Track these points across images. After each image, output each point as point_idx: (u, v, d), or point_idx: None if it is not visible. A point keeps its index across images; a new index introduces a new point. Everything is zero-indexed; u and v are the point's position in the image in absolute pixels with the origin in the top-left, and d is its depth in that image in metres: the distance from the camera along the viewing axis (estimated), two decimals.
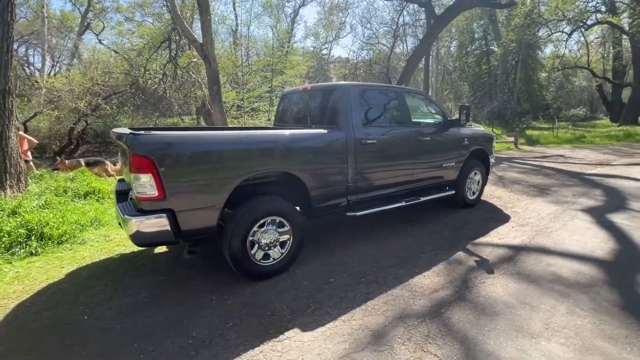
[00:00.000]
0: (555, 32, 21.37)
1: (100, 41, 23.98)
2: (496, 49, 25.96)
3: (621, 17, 21.34)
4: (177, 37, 15.79)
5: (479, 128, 5.26)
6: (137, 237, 2.43)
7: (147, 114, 19.78)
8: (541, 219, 4.40)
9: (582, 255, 3.31)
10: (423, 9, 20.02)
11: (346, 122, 3.43)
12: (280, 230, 3.01)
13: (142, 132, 2.38)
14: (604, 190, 5.88)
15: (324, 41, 34.44)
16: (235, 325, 2.37)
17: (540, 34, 22.20)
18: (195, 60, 16.71)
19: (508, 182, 6.74)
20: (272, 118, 18.91)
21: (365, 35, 36.05)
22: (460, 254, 3.41)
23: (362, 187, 3.57)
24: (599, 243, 3.59)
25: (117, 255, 3.55)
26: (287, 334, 2.25)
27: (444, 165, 4.43)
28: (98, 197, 5.14)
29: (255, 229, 2.86)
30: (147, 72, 16.13)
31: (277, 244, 3.02)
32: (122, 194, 3.30)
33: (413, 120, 4.12)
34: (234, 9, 29.20)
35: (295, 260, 3.16)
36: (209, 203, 2.61)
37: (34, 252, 3.51)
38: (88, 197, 5.05)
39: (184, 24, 12.08)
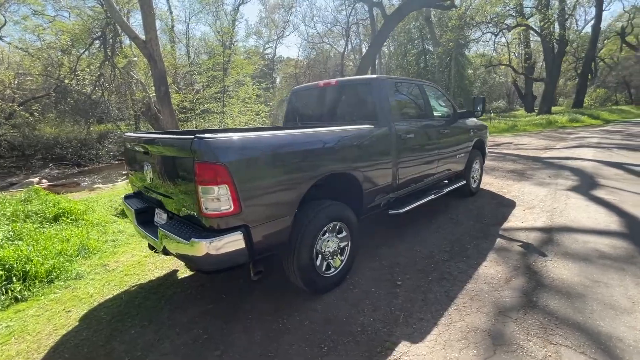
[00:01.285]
0: (485, 33, 23.66)
1: (0, 38, 20.29)
2: (431, 49, 28.01)
3: (529, 20, 24.55)
4: (112, 34, 14.02)
5: (474, 119, 5.51)
6: (207, 262, 1.99)
7: (77, 120, 17.38)
8: (543, 201, 4.75)
9: (602, 230, 3.61)
10: (367, 7, 20.73)
11: (386, 116, 3.28)
12: (339, 236, 2.76)
13: (208, 135, 1.95)
14: (570, 171, 6.60)
15: (267, 40, 33.72)
16: (332, 349, 2.09)
17: (471, 34, 24.40)
18: (135, 59, 15.06)
19: (487, 169, 7.22)
20: (226, 120, 18.09)
21: (309, 34, 36.17)
22: (500, 241, 3.49)
23: (402, 184, 3.46)
24: (605, 218, 3.96)
25: (133, 287, 2.95)
26: (398, 349, 2.04)
27: (457, 156, 4.53)
28: (71, 219, 4.26)
29: (320, 237, 2.58)
30: (76, 74, 14.09)
31: (338, 251, 2.77)
32: (142, 213, 2.74)
33: (434, 113, 4.13)
34: (169, 5, 27.12)
35: (351, 267, 2.94)
36: (282, 213, 2.26)
37: (19, 297, 2.75)
38: (59, 221, 4.16)
39: (123, 19, 10.77)
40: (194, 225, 2.17)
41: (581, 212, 4.20)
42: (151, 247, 2.80)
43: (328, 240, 2.66)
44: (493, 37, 24.68)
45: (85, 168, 17.95)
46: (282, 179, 2.24)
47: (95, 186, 9.84)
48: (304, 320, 2.38)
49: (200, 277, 3.08)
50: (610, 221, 3.85)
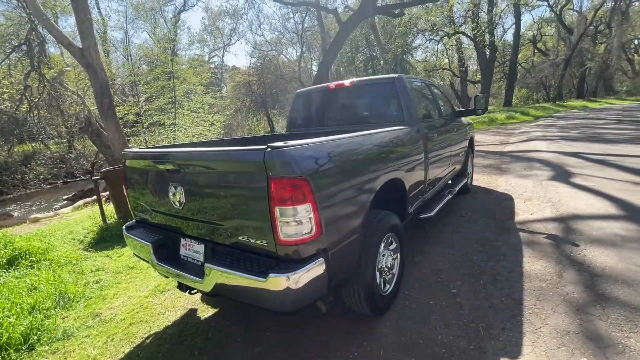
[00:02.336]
0: (430, 40, 25.27)
1: None
2: (377, 55, 29.24)
3: (463, 27, 26.92)
4: (38, 41, 12.23)
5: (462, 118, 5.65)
6: (287, 300, 1.61)
7: None
8: (535, 192, 4.97)
9: (606, 215, 3.82)
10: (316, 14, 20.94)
11: (413, 116, 3.13)
12: (390, 248, 2.51)
13: (280, 143, 1.58)
14: (539, 162, 7.10)
15: (213, 48, 32.43)
16: None
17: (414, 41, 25.92)
18: (68, 69, 13.32)
19: None
20: (177, 133, 16.83)
21: (257, 42, 35.54)
22: (525, 235, 3.51)
23: (428, 185, 3.33)
24: (599, 203, 4.23)
25: (147, 339, 2.38)
26: None
27: (460, 154, 4.55)
28: (31, 260, 3.42)
29: (381, 252, 2.30)
30: None
31: (393, 265, 2.52)
32: (161, 246, 2.22)
33: (442, 111, 4.09)
34: (98, 10, 24.84)
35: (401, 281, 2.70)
36: (354, 229, 1.95)
37: None
38: (16, 265, 3.31)
39: (52, 24, 9.47)
40: (255, 255, 1.76)
41: (577, 199, 4.45)
42: (183, 287, 2.27)
43: (384, 255, 2.39)
44: (435, 44, 26.48)
45: (9, 196, 15.42)
46: (353, 191, 1.94)
47: (33, 216, 8.35)
48: (378, 349, 2.08)
49: (228, 313, 2.60)
50: (605, 206, 4.10)
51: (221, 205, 1.83)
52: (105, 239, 4.54)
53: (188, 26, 72.11)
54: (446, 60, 30.15)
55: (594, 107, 23.53)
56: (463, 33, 23.89)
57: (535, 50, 36.85)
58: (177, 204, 2.03)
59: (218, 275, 1.77)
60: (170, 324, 2.52)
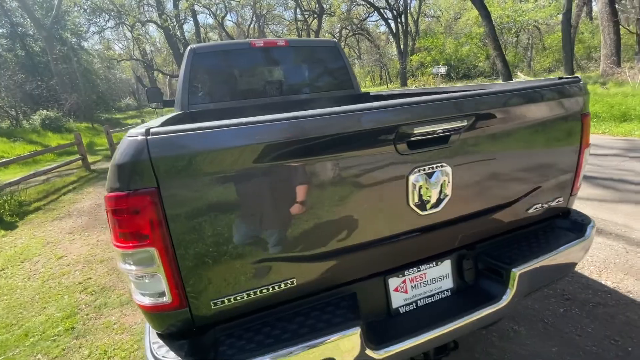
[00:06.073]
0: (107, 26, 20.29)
1: None
2: (32, 33, 20.17)
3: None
4: None
5: None
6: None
7: None
8: None
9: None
10: None
11: (356, 83, 3.30)
12: None
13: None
14: None
15: None
16: None
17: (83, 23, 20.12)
18: None
19: None
20: None
21: None
22: None
23: None
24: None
25: None
26: None
27: None
28: None
29: None
30: None
31: None
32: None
33: None
34: None
35: None
36: None
37: None
38: None
39: None
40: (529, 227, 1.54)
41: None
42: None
43: None
44: (118, 29, 21.95)
45: None
46: None
47: None
48: None
49: None
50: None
51: (510, 173, 1.38)
52: None
53: None
54: (138, 50, 26.19)
55: None
56: (155, 22, 21.48)
57: None
58: (428, 206, 1.19)
59: (525, 276, 1.31)
60: None
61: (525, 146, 1.36)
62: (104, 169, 8.50)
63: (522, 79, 19.61)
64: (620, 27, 14.26)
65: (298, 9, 32.71)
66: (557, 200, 1.51)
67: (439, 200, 1.20)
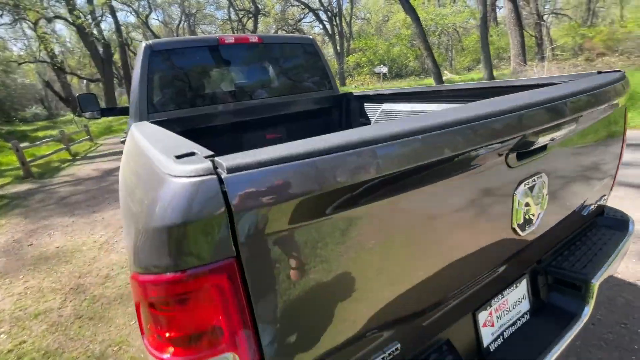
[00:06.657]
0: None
1: None
2: None
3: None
4: None
5: None
6: None
7: None
8: None
9: None
10: None
11: (334, 81, 3.10)
12: None
13: None
14: None
15: None
16: None
17: None
18: None
19: None
20: None
21: None
22: None
23: None
24: None
25: None
26: None
27: None
28: None
29: None
30: None
31: None
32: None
33: None
34: None
35: None
36: None
37: None
38: None
39: None
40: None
41: None
42: None
43: None
44: (15, 27, 18.65)
45: None
46: None
47: None
48: None
49: None
50: None
51: (584, 174, 1.29)
52: None
53: None
54: (47, 51, 22.46)
55: None
56: (64, 19, 18.71)
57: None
58: (530, 222, 1.00)
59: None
60: None
61: (593, 144, 1.28)
62: (16, 194, 7.04)
63: (448, 76, 21.42)
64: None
65: (231, 9, 31.42)
66: (603, 197, 1.45)
67: (538, 216, 1.03)
